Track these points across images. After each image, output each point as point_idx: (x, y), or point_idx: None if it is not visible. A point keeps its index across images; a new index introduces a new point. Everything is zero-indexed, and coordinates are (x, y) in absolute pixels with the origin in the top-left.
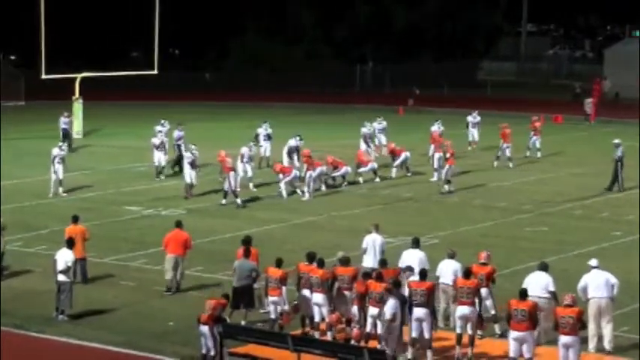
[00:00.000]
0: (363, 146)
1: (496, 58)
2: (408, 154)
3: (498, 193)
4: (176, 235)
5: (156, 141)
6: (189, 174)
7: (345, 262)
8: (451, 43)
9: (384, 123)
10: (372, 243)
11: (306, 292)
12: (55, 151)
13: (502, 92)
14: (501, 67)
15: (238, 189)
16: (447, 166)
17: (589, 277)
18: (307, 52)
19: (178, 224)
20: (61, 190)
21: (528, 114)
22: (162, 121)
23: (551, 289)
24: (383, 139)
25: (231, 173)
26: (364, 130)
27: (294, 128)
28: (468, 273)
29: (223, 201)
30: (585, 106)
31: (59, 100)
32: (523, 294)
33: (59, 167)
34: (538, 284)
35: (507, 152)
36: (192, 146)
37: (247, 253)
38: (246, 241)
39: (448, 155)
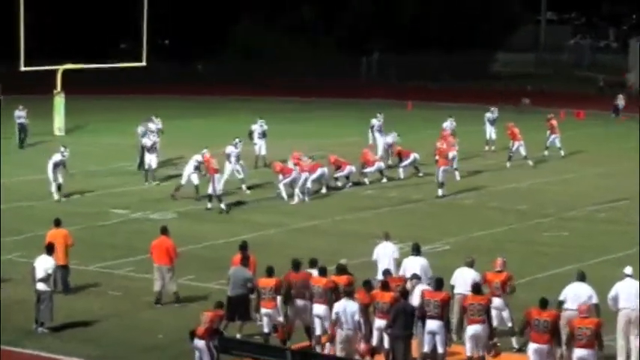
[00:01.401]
0: (379, 141)
1: (513, 48)
2: (416, 155)
3: (516, 194)
4: (160, 243)
5: (147, 142)
6: (188, 175)
7: (340, 270)
8: (464, 32)
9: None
10: (384, 253)
11: (300, 302)
12: (57, 156)
13: (519, 85)
14: (518, 58)
15: (220, 192)
16: (437, 169)
17: (621, 285)
18: (308, 42)
19: (163, 230)
20: (58, 194)
21: (547, 109)
22: (153, 117)
23: (595, 301)
24: (377, 135)
25: (216, 176)
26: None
27: (294, 124)
28: (477, 288)
29: (209, 205)
30: (617, 100)
31: (39, 95)
32: (544, 303)
33: (61, 172)
34: (578, 296)
35: (522, 151)
36: (205, 150)
37: (245, 261)
38: (244, 248)
39: (437, 157)
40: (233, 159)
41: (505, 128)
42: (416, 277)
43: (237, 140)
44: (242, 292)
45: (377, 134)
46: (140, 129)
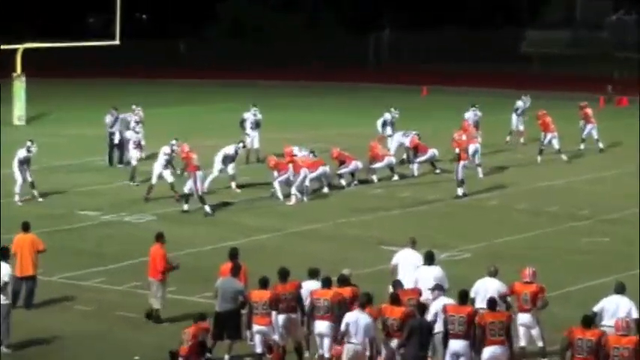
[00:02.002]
0: (393, 139)
1: (545, 25)
2: (435, 151)
3: (548, 194)
4: (152, 253)
5: (134, 137)
6: (158, 173)
7: (342, 281)
8: (489, 7)
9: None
10: (406, 262)
11: (292, 316)
12: (22, 152)
13: (552, 68)
14: (551, 36)
15: (201, 192)
16: (456, 165)
17: None
18: (308, 19)
19: (158, 237)
20: (35, 192)
21: (585, 94)
22: (133, 106)
23: (635, 315)
24: (389, 130)
25: (198, 173)
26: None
27: (292, 113)
28: (493, 303)
29: (185, 206)
30: None
31: None
32: (588, 320)
33: (28, 171)
34: (617, 311)
35: (555, 144)
36: (174, 141)
37: (235, 271)
38: (234, 255)
39: (458, 151)
40: (229, 162)
41: (535, 117)
42: (438, 289)
43: (241, 144)
44: (232, 306)
45: (389, 130)
46: (108, 118)
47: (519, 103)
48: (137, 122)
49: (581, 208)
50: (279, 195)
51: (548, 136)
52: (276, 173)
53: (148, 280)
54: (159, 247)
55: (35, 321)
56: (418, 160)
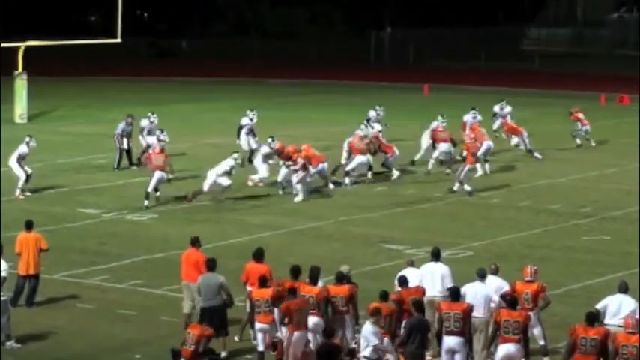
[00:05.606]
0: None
1: (546, 23)
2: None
3: (550, 192)
4: (190, 257)
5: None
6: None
7: (340, 278)
8: (490, 4)
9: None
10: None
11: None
12: (23, 148)
13: (554, 65)
14: (553, 34)
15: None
16: (464, 167)
17: None
18: (310, 16)
19: (194, 242)
20: (22, 189)
21: (586, 93)
22: (149, 114)
23: (638, 316)
24: (377, 127)
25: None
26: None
27: (293, 110)
28: (514, 301)
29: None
30: None
31: None
32: (592, 317)
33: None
34: (619, 310)
35: (527, 143)
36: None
37: (212, 265)
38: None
39: (465, 153)
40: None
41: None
42: (480, 275)
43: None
44: (216, 302)
45: (377, 126)
46: (122, 126)
47: (496, 108)
48: (157, 129)
49: (583, 205)
50: (279, 191)
51: (515, 139)
52: (284, 168)
53: (182, 283)
54: (195, 250)
55: (37, 319)
56: (435, 154)
